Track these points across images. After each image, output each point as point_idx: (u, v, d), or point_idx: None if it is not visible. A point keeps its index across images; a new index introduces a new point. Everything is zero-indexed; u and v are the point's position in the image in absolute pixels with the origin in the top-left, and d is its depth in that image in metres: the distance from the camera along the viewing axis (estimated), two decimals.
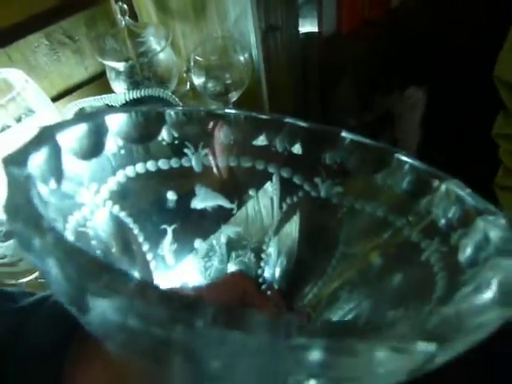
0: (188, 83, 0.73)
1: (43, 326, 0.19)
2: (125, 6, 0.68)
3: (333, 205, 0.19)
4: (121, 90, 0.74)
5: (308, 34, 0.72)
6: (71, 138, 0.17)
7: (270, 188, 0.22)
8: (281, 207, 0.22)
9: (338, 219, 0.19)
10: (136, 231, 0.19)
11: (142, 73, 0.74)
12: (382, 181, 0.18)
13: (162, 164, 0.20)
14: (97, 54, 0.71)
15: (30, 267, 0.58)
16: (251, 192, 0.22)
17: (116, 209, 0.18)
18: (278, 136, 0.19)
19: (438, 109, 1.10)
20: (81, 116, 0.16)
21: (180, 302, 0.10)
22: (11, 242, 0.56)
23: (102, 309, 0.11)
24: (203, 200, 0.21)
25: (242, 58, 0.65)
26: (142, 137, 0.19)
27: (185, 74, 0.71)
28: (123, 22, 0.71)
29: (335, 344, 0.10)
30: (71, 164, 0.17)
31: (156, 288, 0.11)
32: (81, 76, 0.83)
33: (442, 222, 0.16)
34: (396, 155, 0.18)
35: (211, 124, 0.20)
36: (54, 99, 0.78)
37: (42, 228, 0.11)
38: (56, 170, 0.16)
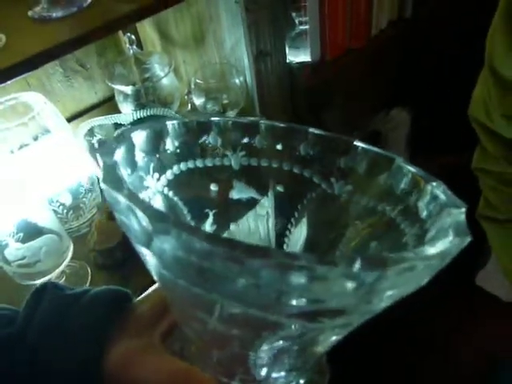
0: (189, 104, 0.80)
1: (85, 310, 0.23)
2: (132, 37, 0.76)
3: (343, 201, 0.24)
4: (128, 112, 0.81)
5: (298, 63, 0.80)
6: (141, 138, 0.22)
7: (267, 203, 0.27)
8: (285, 216, 0.26)
9: (345, 213, 0.24)
10: (185, 212, 0.24)
11: (147, 96, 0.82)
12: (384, 181, 0.23)
13: (208, 162, 0.25)
14: (106, 79, 0.79)
15: (46, 268, 0.63)
16: (279, 187, 0.26)
17: (171, 193, 0.24)
18: (303, 143, 0.25)
19: (422, 128, 1.18)
20: (149, 123, 0.20)
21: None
22: (30, 244, 0.62)
23: (161, 245, 0.15)
24: (239, 192, 0.26)
25: (237, 81, 0.73)
26: (192, 140, 0.25)
27: (186, 96, 0.79)
28: (131, 51, 0.79)
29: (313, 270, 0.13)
30: (141, 157, 0.22)
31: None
32: (91, 100, 0.91)
33: (400, 190, 0.22)
34: (397, 161, 0.23)
35: (247, 132, 0.25)
36: (67, 121, 0.86)
37: (122, 188, 0.16)
38: (131, 160, 0.21)
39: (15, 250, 0.63)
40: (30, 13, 0.56)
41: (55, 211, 0.71)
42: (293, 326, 0.17)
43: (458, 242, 0.17)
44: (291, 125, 0.26)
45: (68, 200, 0.73)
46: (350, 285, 0.14)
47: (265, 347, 0.19)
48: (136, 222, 0.16)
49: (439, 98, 1.10)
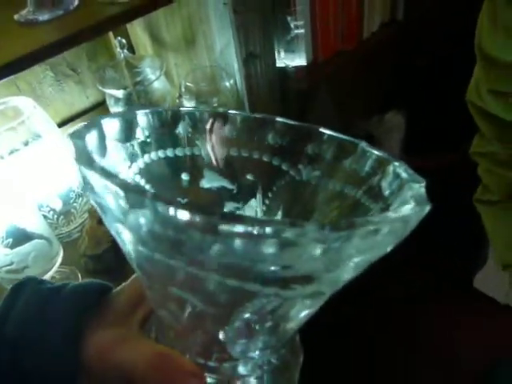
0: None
1: (63, 301, 0.23)
2: (123, 40, 0.76)
3: (311, 186, 0.25)
4: None
5: (294, 67, 0.80)
6: (112, 126, 0.23)
7: (254, 203, 0.27)
8: (266, 204, 0.27)
9: (314, 198, 0.25)
10: None
11: (138, 99, 0.82)
12: (349, 165, 0.24)
13: (178, 152, 0.26)
14: (98, 83, 0.79)
15: (35, 274, 0.62)
16: (249, 176, 0.27)
17: (143, 181, 0.24)
18: (271, 132, 0.25)
19: (417, 130, 1.18)
20: (119, 112, 0.21)
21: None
22: (18, 249, 0.61)
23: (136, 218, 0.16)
24: (210, 181, 0.27)
25: (227, 84, 0.73)
26: (163, 130, 0.25)
27: (177, 100, 0.79)
28: (122, 55, 0.79)
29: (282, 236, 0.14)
30: (112, 145, 0.22)
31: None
32: (83, 104, 0.91)
33: (364, 172, 0.23)
34: (361, 145, 0.23)
35: (216, 122, 0.26)
36: (59, 125, 0.85)
37: (95, 166, 0.17)
38: (101, 147, 0.21)
39: (3, 255, 0.62)
40: (16, 16, 0.55)
41: (45, 216, 0.71)
42: (266, 300, 0.18)
43: (418, 209, 0.18)
44: (260, 115, 0.26)
45: (58, 205, 0.72)
46: (318, 249, 0.15)
47: (239, 323, 0.19)
48: (112, 199, 0.16)
49: (432, 99, 1.10)
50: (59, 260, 0.63)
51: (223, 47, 0.69)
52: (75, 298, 0.23)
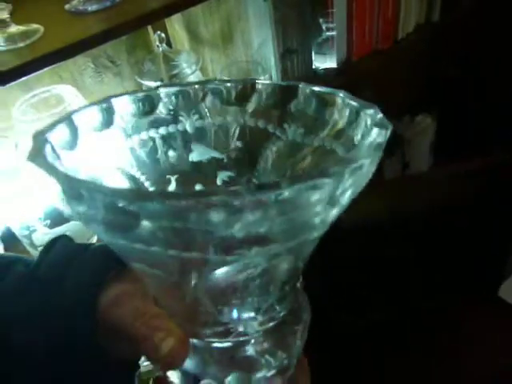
0: None
1: (90, 256, 0.25)
2: (162, 35, 0.78)
3: (297, 143, 0.25)
4: None
5: (324, 69, 0.81)
6: (88, 117, 0.23)
7: (246, 169, 0.27)
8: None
9: (301, 155, 0.25)
10: (144, 181, 0.25)
11: None
12: (328, 117, 0.23)
13: (162, 130, 0.26)
14: (136, 75, 0.81)
15: None
16: (238, 143, 0.27)
17: (130, 166, 0.25)
18: (254, 95, 0.25)
19: (448, 135, 1.17)
20: (93, 102, 0.21)
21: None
22: (57, 229, 0.64)
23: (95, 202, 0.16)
24: (199, 154, 0.27)
25: (262, 79, 0.74)
26: (144, 112, 0.25)
27: None
28: (160, 49, 0.81)
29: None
30: (87, 135, 0.23)
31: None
32: None
33: (341, 126, 0.23)
34: (340, 96, 0.23)
35: (199, 94, 0.26)
36: None
37: (39, 161, 0.18)
38: (72, 139, 0.22)
39: (42, 235, 0.65)
40: (66, 6, 0.58)
41: None
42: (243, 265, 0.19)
43: (384, 132, 0.19)
44: (239, 80, 0.26)
45: None
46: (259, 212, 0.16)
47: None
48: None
49: (464, 102, 1.08)
50: (94, 240, 0.66)
51: (260, 43, 0.71)
52: (101, 252, 0.25)
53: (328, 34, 0.81)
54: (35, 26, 0.54)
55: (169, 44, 0.90)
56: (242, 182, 0.27)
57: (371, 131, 0.20)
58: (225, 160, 0.27)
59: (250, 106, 0.26)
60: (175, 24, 0.86)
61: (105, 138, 0.24)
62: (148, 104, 0.25)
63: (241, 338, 0.23)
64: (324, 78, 0.77)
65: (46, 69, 0.50)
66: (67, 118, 0.22)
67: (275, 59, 0.68)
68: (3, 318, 0.24)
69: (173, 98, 0.26)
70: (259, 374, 0.23)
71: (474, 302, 1.09)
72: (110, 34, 0.55)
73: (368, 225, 0.99)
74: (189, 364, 0.22)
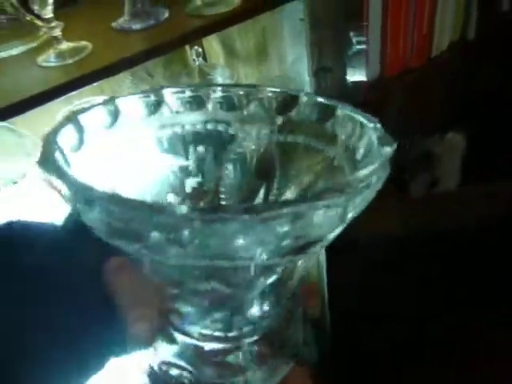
0: None
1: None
2: (199, 50, 0.81)
3: (289, 144, 0.25)
4: None
5: (353, 81, 0.82)
6: (92, 117, 0.23)
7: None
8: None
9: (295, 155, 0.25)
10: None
11: None
12: (331, 128, 0.24)
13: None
14: None
15: None
16: (200, 148, 0.27)
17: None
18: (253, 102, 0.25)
19: (479, 153, 1.15)
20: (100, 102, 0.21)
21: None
22: None
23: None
24: (160, 161, 0.27)
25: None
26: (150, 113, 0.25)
27: None
28: (196, 63, 0.83)
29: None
30: (92, 135, 0.23)
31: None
32: None
33: (343, 138, 0.23)
34: (340, 108, 0.24)
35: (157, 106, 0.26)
36: None
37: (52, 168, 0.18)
38: (79, 140, 0.22)
39: None
40: (113, 24, 0.61)
41: None
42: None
43: (388, 150, 0.20)
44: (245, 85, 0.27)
45: None
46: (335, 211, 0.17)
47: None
48: (70, 197, 0.17)
49: (498, 122, 1.07)
50: None
51: (294, 59, 0.72)
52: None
53: (358, 47, 0.82)
54: (84, 43, 0.57)
55: (204, 58, 0.93)
56: (210, 188, 0.27)
57: (375, 147, 0.21)
58: (190, 167, 0.27)
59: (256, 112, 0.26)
60: (211, 39, 0.89)
61: (110, 137, 0.24)
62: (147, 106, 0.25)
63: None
64: (356, 93, 0.78)
65: (95, 84, 0.53)
66: (73, 119, 0.22)
67: (309, 76, 0.70)
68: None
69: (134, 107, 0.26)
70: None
71: (496, 317, 1.07)
72: (153, 52, 0.58)
73: (392, 241, 0.98)
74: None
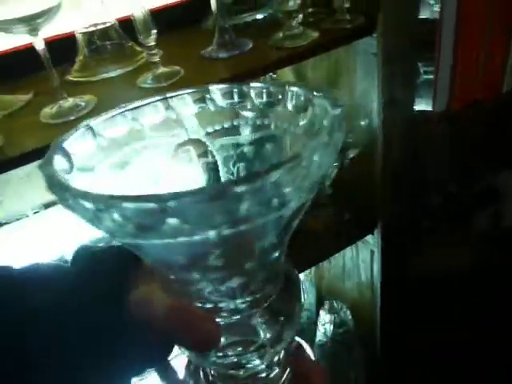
0: None
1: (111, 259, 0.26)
2: (274, 76, 0.87)
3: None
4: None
5: (419, 111, 0.84)
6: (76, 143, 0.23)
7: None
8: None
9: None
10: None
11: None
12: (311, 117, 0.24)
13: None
14: None
15: None
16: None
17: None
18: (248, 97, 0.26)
19: None
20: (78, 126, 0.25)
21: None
22: None
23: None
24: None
25: (362, 123, 0.79)
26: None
27: None
28: None
29: None
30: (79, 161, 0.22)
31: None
32: None
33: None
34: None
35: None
36: None
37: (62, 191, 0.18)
38: (69, 163, 0.22)
39: None
40: (202, 52, 0.68)
41: None
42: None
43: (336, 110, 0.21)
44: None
45: None
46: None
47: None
48: (84, 210, 0.18)
49: None
50: None
51: (364, 90, 0.76)
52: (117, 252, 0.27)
53: (425, 77, 0.84)
54: (177, 68, 0.64)
55: None
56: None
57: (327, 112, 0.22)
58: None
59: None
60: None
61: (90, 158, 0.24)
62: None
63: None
64: (424, 124, 0.80)
65: None
66: (59, 146, 0.22)
67: (378, 106, 0.73)
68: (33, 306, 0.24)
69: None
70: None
71: None
72: (236, 78, 0.64)
73: (451, 275, 0.97)
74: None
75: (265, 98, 0.25)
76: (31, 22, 0.51)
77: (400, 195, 0.83)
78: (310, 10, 0.76)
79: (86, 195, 0.17)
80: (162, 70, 0.63)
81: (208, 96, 0.26)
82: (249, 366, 0.25)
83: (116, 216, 0.17)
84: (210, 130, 0.27)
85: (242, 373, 0.25)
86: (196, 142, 0.26)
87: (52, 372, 0.23)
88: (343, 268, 1.11)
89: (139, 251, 0.21)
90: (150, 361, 0.27)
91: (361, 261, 1.02)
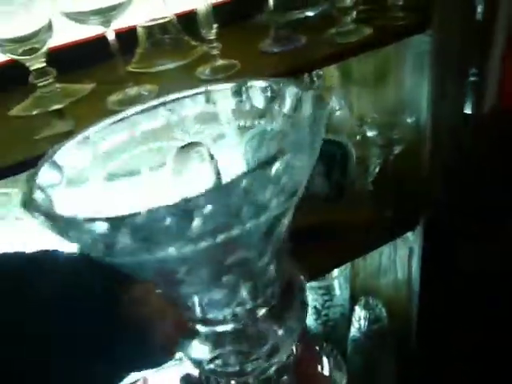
0: (358, 135, 0.89)
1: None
2: (320, 72, 0.88)
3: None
4: None
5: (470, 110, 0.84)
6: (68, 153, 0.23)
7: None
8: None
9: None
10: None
11: None
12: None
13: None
14: None
15: None
16: None
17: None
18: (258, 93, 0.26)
19: None
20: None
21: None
22: None
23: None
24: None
25: (409, 120, 0.80)
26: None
27: (358, 128, 0.88)
28: (316, 83, 0.91)
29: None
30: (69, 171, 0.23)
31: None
32: None
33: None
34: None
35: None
36: None
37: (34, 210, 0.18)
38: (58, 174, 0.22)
39: None
40: (259, 46, 0.70)
41: None
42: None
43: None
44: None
45: None
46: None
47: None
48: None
49: None
50: None
51: (413, 85, 0.77)
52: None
53: (471, 79, 0.84)
54: (234, 61, 0.66)
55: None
56: None
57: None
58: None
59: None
60: None
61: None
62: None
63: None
64: (472, 124, 0.80)
65: None
66: (49, 158, 0.22)
67: (427, 103, 0.74)
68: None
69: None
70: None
71: None
72: (289, 72, 0.65)
73: (495, 273, 0.97)
74: None
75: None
76: (106, 13, 0.54)
77: (445, 193, 0.83)
78: (363, 7, 0.77)
79: (48, 215, 0.17)
80: (219, 62, 0.66)
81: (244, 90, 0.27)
82: (250, 372, 0.25)
83: (79, 235, 0.17)
84: (242, 123, 0.27)
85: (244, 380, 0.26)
86: (197, 146, 0.26)
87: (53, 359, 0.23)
88: (379, 264, 1.12)
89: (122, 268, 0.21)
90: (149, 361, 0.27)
91: (398, 257, 1.02)
